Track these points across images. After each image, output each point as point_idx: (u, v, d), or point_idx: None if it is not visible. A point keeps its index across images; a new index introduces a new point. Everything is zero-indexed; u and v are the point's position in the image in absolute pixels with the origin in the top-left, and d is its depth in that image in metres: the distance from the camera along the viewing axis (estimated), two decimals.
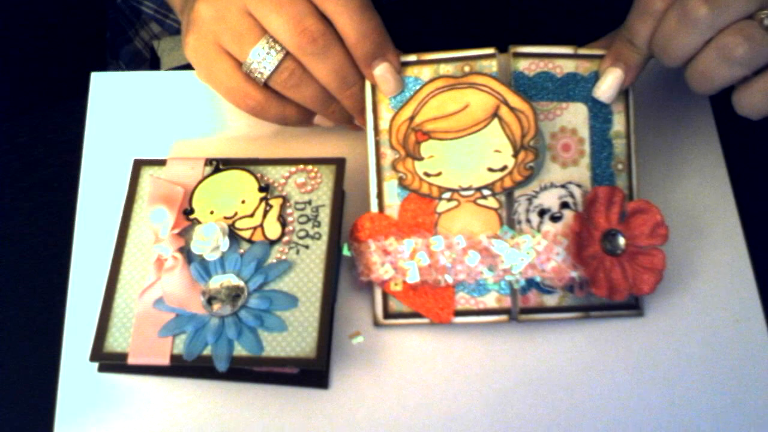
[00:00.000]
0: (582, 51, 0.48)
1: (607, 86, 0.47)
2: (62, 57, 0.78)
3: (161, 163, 0.50)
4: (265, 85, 0.47)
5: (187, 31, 0.48)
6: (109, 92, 0.56)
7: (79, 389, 0.47)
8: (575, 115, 0.48)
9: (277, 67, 0.46)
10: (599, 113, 0.49)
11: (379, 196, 0.49)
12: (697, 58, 0.42)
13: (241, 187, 0.49)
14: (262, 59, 0.46)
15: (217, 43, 0.47)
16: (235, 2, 0.45)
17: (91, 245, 0.51)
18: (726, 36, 0.41)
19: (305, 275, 0.46)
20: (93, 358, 0.45)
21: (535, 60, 0.48)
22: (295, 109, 0.49)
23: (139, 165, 0.51)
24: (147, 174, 0.50)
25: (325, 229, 0.47)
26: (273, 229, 0.47)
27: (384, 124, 0.48)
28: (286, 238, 0.47)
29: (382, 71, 0.47)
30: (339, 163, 0.49)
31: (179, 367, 0.45)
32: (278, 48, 0.46)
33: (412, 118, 0.47)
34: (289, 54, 0.46)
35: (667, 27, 0.43)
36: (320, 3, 0.44)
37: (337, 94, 0.47)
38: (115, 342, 0.45)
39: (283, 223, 0.48)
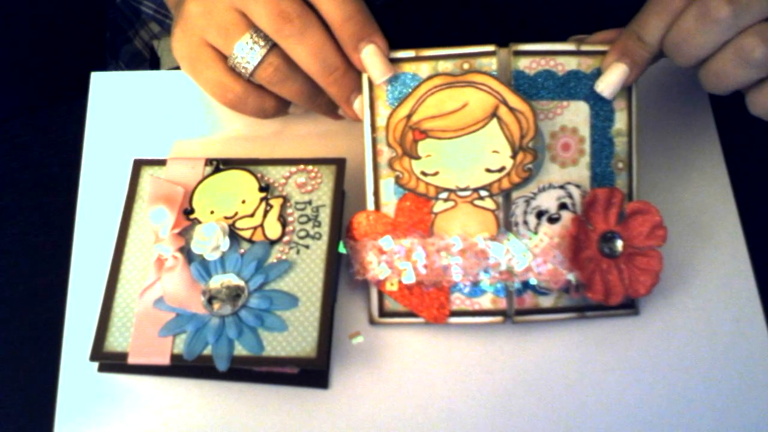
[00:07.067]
0: (585, 47, 0.47)
1: (611, 81, 0.46)
2: (62, 57, 0.78)
3: (161, 163, 0.50)
4: (248, 80, 0.48)
5: (176, 25, 0.48)
6: (109, 92, 0.56)
7: (79, 389, 0.48)
8: (576, 114, 0.48)
9: (261, 62, 0.47)
10: (600, 111, 0.48)
11: (376, 193, 0.48)
12: (714, 59, 0.42)
13: (241, 187, 0.49)
14: (247, 53, 0.46)
15: (203, 38, 0.47)
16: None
17: (91, 245, 0.51)
18: (745, 38, 0.40)
19: (305, 275, 0.46)
20: (93, 358, 0.45)
21: (536, 58, 0.47)
22: (274, 101, 0.50)
23: (139, 165, 0.51)
24: (147, 174, 0.50)
25: (325, 229, 0.47)
26: (273, 229, 0.47)
27: (381, 121, 0.48)
28: (286, 238, 0.47)
29: (368, 54, 0.46)
30: (339, 164, 0.49)
31: (179, 367, 0.45)
32: (262, 43, 0.46)
33: (409, 116, 0.47)
34: (274, 48, 0.46)
35: (684, 25, 0.42)
36: None
37: (321, 81, 0.47)
38: (115, 342, 0.45)
39: (284, 223, 0.48)
